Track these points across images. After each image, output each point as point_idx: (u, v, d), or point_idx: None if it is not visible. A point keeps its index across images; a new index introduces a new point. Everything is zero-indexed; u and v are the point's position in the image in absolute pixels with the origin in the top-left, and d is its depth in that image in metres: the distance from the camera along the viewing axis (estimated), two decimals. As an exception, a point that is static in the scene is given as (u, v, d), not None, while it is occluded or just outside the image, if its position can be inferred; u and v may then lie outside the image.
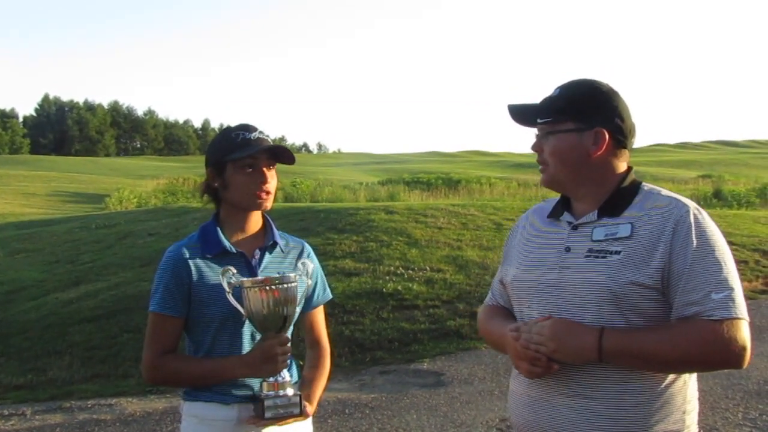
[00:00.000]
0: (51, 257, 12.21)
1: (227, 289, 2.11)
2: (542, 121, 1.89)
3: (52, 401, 5.97)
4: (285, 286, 2.10)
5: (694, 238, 1.73)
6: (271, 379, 2.13)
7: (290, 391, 2.14)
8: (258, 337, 2.18)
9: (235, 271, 2.13)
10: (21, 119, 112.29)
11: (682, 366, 1.75)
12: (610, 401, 1.74)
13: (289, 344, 2.16)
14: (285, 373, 2.16)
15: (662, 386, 1.76)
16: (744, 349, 1.69)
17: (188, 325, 2.21)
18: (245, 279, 2.11)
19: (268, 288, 2.08)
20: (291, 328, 2.22)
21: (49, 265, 11.57)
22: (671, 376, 1.77)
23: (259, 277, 2.13)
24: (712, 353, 1.69)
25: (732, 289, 1.71)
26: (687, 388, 1.80)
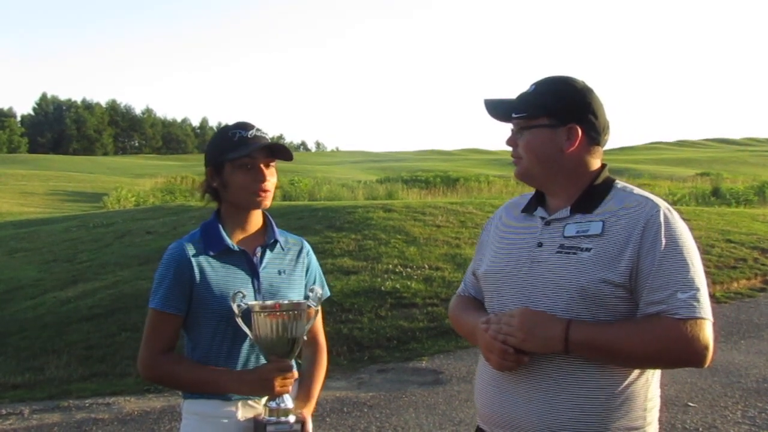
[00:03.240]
0: (49, 256, 12.20)
1: (237, 312, 2.09)
2: (517, 116, 1.91)
3: (50, 400, 5.96)
4: (294, 312, 2.09)
5: (662, 238, 1.75)
6: (274, 404, 2.12)
7: (292, 418, 2.12)
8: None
9: (245, 294, 2.12)
10: (19, 118, 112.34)
11: (645, 362, 1.78)
12: (574, 396, 1.77)
13: (292, 371, 2.15)
14: (288, 399, 2.14)
15: (625, 383, 1.78)
16: (706, 348, 1.71)
17: (187, 323, 2.20)
18: (254, 303, 2.10)
19: (278, 313, 2.07)
20: (297, 353, 2.20)
21: (47, 263, 11.56)
22: (634, 374, 1.80)
23: (269, 302, 2.12)
24: (675, 351, 1.72)
25: (698, 289, 1.73)
26: (649, 385, 1.83)
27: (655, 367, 1.83)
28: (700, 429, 4.85)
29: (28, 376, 6.57)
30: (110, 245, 12.30)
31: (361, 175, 40.79)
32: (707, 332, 1.71)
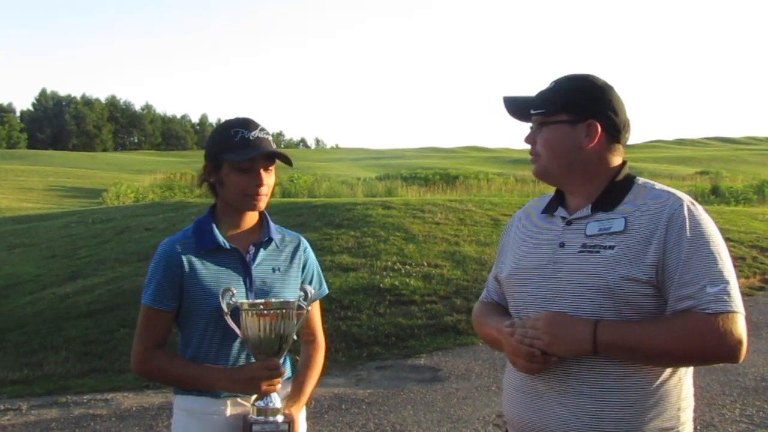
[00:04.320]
0: (48, 252, 12.19)
1: (225, 310, 2.08)
2: (536, 112, 1.89)
3: (49, 396, 5.96)
4: (283, 311, 2.07)
5: (688, 232, 1.71)
6: (261, 403, 2.10)
7: (280, 418, 2.11)
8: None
9: (235, 291, 2.11)
10: (18, 114, 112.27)
11: (677, 359, 1.74)
12: (605, 398, 1.74)
13: (281, 370, 2.12)
14: (275, 398, 2.12)
15: (657, 383, 1.74)
16: (740, 342, 1.68)
17: (179, 319, 2.20)
18: (244, 301, 2.08)
19: (266, 312, 2.05)
20: (286, 353, 2.19)
21: (46, 259, 11.56)
22: (666, 373, 1.76)
23: (259, 300, 2.11)
24: (708, 347, 1.68)
25: (727, 282, 1.69)
26: (682, 384, 1.79)
27: (687, 364, 1.79)
28: (698, 427, 4.85)
29: (26, 372, 6.56)
30: (109, 241, 12.29)
31: (361, 172, 40.78)
32: (740, 326, 1.68)
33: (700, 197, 22.86)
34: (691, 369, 1.84)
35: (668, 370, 1.76)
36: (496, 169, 41.20)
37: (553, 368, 1.77)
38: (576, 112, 1.84)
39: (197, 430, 2.15)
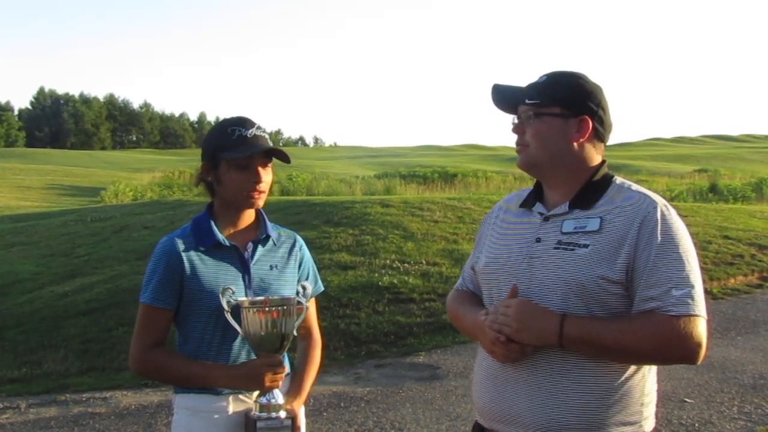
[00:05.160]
0: (46, 250, 12.18)
1: (226, 308, 2.09)
2: (531, 102, 1.90)
3: (47, 394, 5.96)
4: (284, 308, 2.08)
5: (659, 234, 1.76)
6: (264, 400, 2.11)
7: (283, 414, 2.11)
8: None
9: (234, 290, 2.11)
10: (16, 112, 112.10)
11: (639, 358, 1.78)
12: (571, 390, 1.78)
13: (283, 366, 2.13)
14: (278, 394, 2.13)
15: (622, 379, 1.79)
16: (699, 345, 1.72)
17: (178, 318, 2.20)
18: (244, 299, 2.09)
19: (267, 309, 2.06)
20: (286, 349, 2.19)
21: (45, 258, 11.54)
22: (630, 370, 1.80)
23: (259, 298, 2.11)
24: (668, 347, 1.73)
25: (693, 286, 1.74)
26: (646, 381, 1.84)
27: (648, 363, 1.83)
28: (697, 425, 4.86)
29: (25, 370, 6.56)
30: (108, 240, 12.28)
31: (359, 171, 40.76)
32: (701, 329, 1.72)
33: (699, 195, 22.89)
34: (655, 366, 1.88)
35: (632, 367, 1.81)
36: (494, 167, 41.22)
37: (520, 360, 1.81)
38: (570, 106, 1.87)
39: (200, 429, 2.14)
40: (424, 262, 9.20)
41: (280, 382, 2.14)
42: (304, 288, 2.22)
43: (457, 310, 2.11)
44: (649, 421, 1.84)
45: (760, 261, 10.24)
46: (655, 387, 1.88)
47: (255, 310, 2.05)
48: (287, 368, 2.22)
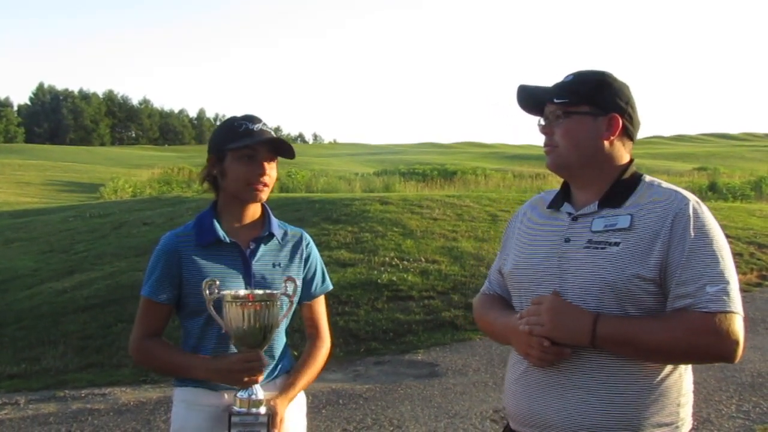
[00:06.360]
0: (45, 246, 12.17)
1: (209, 301, 2.08)
2: (560, 101, 1.87)
3: (46, 390, 5.96)
4: (266, 303, 2.05)
5: (692, 231, 1.72)
6: (243, 394, 2.09)
7: (262, 410, 2.09)
8: None
9: (218, 282, 2.09)
10: (16, 108, 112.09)
11: (674, 357, 1.74)
12: (606, 392, 1.74)
13: (262, 362, 2.11)
14: (258, 389, 2.11)
15: (657, 379, 1.75)
16: (737, 343, 1.69)
17: (181, 312, 2.23)
18: (226, 292, 2.07)
19: (249, 304, 2.04)
20: (269, 344, 2.17)
21: (44, 254, 11.54)
22: (667, 369, 1.76)
23: (242, 292, 2.09)
24: (705, 345, 1.69)
25: (727, 282, 1.70)
26: (682, 381, 1.80)
27: (684, 362, 1.80)
28: (695, 423, 4.85)
29: (24, 367, 6.56)
30: (107, 236, 12.28)
31: (359, 168, 40.75)
32: (737, 326, 1.69)
33: (698, 193, 22.86)
34: (690, 366, 1.84)
35: (669, 367, 1.77)
36: (493, 165, 41.23)
37: (555, 362, 1.77)
38: (599, 105, 1.85)
39: (195, 421, 2.16)
40: (423, 259, 9.20)
41: (260, 379, 2.12)
42: (293, 282, 2.19)
43: (486, 315, 2.06)
44: (686, 422, 1.81)
45: (759, 260, 10.27)
46: (691, 387, 1.84)
47: (237, 303, 2.04)
48: (267, 361, 2.17)
